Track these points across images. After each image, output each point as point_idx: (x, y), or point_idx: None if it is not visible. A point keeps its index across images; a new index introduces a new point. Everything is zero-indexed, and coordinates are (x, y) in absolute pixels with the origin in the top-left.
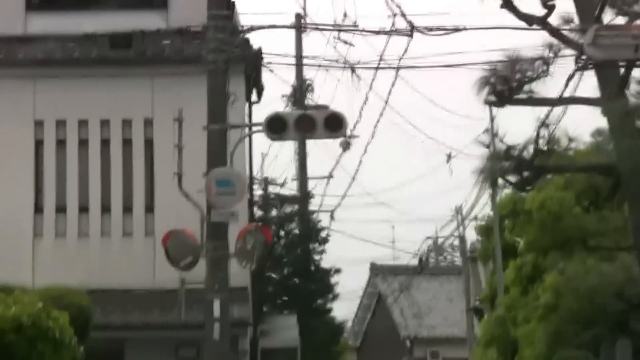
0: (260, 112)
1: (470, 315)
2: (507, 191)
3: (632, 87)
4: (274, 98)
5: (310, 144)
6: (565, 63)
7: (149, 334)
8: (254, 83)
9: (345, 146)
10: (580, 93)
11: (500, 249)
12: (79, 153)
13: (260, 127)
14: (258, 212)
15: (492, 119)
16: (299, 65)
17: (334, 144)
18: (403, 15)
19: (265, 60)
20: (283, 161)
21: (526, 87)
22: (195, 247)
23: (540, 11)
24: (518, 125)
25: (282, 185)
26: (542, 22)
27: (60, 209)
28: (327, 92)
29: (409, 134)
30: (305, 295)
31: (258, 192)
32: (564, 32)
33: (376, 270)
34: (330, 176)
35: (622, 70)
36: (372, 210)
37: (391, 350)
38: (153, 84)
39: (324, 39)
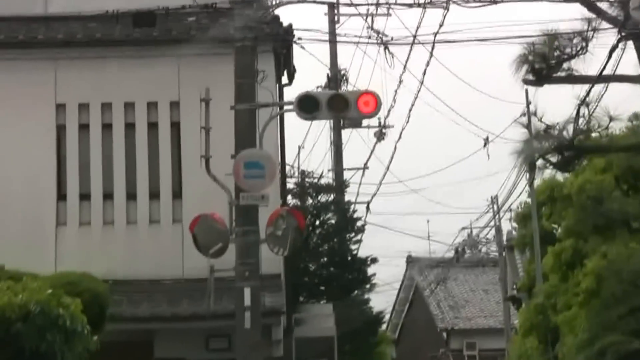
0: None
1: (507, 305)
2: (548, 172)
3: None
4: (310, 86)
5: (346, 136)
6: (604, 40)
7: (178, 325)
8: (285, 64)
9: (380, 136)
10: (621, 71)
11: (538, 234)
12: (103, 138)
13: (290, 107)
14: (293, 202)
15: (527, 101)
16: (333, 42)
17: (369, 134)
18: None
19: (296, 37)
20: (318, 155)
21: (565, 65)
22: (224, 233)
23: None
24: (557, 104)
25: (319, 178)
26: None
27: (84, 196)
28: (362, 81)
29: (444, 118)
30: (342, 285)
31: (292, 180)
32: (602, 7)
33: (412, 262)
34: (365, 167)
35: None
36: (406, 199)
37: (428, 342)
38: (179, 65)
39: (357, 22)
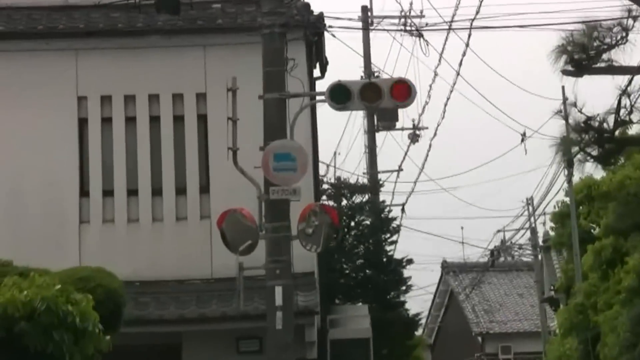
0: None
1: (544, 307)
2: (588, 166)
3: None
4: None
5: (380, 139)
6: None
7: (207, 327)
8: (317, 54)
9: (414, 138)
10: None
11: (577, 232)
12: (127, 131)
13: (322, 97)
14: (328, 203)
15: (564, 97)
16: (366, 30)
17: (403, 136)
18: None
19: (327, 26)
20: (353, 160)
21: (604, 56)
22: (253, 229)
23: None
24: (597, 95)
25: (355, 184)
26: None
27: (107, 192)
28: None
29: (479, 112)
30: (377, 287)
31: (327, 180)
32: None
33: (447, 268)
34: (400, 169)
35: None
36: (441, 198)
37: (464, 347)
38: (205, 55)
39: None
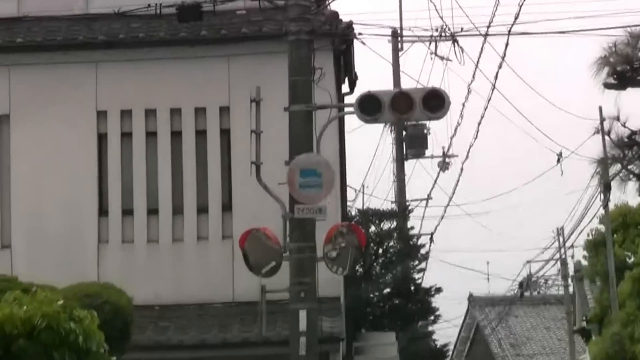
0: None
1: (573, 339)
2: (631, 184)
3: None
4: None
5: (409, 168)
6: None
7: (229, 353)
8: (346, 67)
9: (444, 166)
10: None
11: (613, 259)
12: (147, 147)
13: (351, 109)
14: None
15: (601, 117)
16: (395, 37)
17: (433, 164)
18: None
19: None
20: (381, 189)
21: None
22: (277, 250)
23: None
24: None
25: (383, 211)
26: None
27: (127, 211)
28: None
29: (512, 129)
30: (405, 316)
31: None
32: None
33: (474, 301)
34: (429, 197)
35: None
36: (469, 225)
37: None
38: (229, 66)
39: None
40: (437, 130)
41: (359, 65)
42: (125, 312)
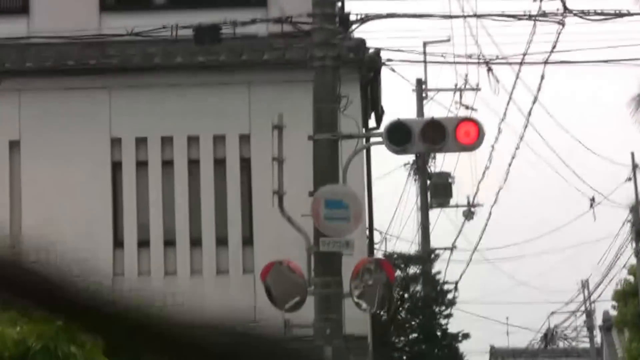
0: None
1: None
2: None
3: None
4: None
5: (433, 217)
6: None
7: None
8: (372, 102)
9: (469, 215)
10: None
11: None
12: (163, 176)
13: (379, 139)
14: None
15: (633, 159)
16: (420, 85)
17: (458, 213)
18: None
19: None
20: (405, 238)
21: None
22: (302, 283)
23: None
24: None
25: (409, 255)
26: None
27: (143, 242)
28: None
29: (544, 168)
30: None
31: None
32: None
33: (495, 353)
34: (453, 247)
35: None
36: (493, 273)
37: None
38: (250, 93)
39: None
40: (462, 176)
41: (386, 99)
42: None
